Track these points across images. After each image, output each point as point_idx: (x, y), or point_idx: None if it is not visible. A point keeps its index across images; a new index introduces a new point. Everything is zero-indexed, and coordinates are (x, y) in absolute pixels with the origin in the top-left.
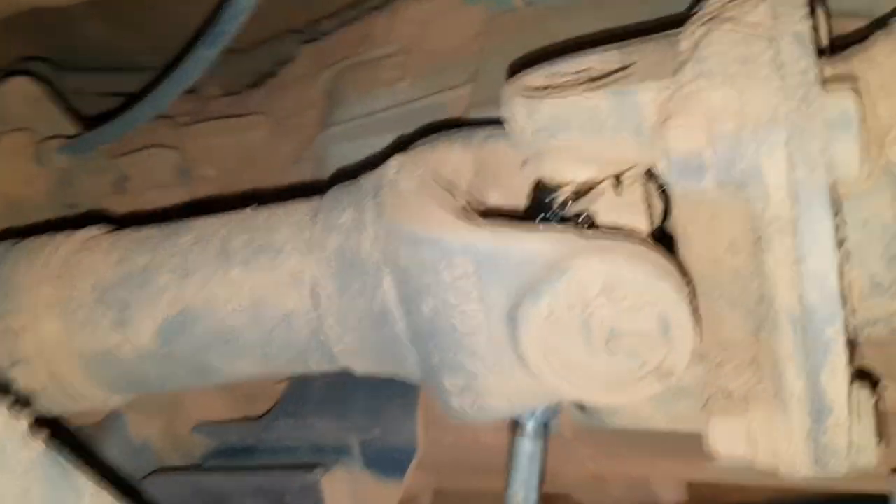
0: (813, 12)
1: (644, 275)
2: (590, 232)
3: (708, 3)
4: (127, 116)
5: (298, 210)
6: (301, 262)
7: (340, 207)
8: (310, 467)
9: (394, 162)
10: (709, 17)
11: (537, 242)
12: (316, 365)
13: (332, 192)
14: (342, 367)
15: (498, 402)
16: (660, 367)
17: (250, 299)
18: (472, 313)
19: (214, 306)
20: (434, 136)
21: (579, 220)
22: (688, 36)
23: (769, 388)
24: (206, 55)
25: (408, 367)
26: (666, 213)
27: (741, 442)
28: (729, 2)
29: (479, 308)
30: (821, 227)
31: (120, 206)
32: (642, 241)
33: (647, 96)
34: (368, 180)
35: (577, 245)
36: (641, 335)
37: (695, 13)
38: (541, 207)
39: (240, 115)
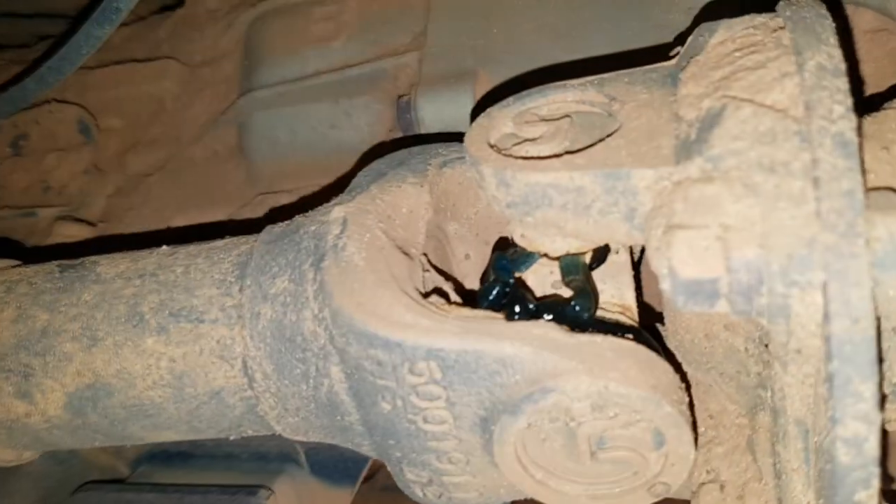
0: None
1: (638, 395)
2: (574, 334)
3: (709, 39)
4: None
5: (221, 264)
6: (229, 334)
7: (273, 271)
8: (252, 488)
9: (337, 214)
10: (719, 75)
11: (515, 347)
12: (255, 432)
13: (263, 247)
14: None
15: (468, 495)
16: (654, 482)
17: (171, 374)
18: (440, 417)
19: (129, 380)
20: (381, 165)
21: (556, 308)
22: (690, 101)
23: (769, 490)
24: (95, 33)
25: (363, 450)
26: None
27: None
28: (741, 50)
29: (447, 413)
30: (863, 388)
31: (16, 171)
32: (636, 336)
33: (642, 182)
34: (306, 236)
35: (562, 357)
36: (633, 449)
37: (693, 45)
38: (508, 268)
39: (147, 60)
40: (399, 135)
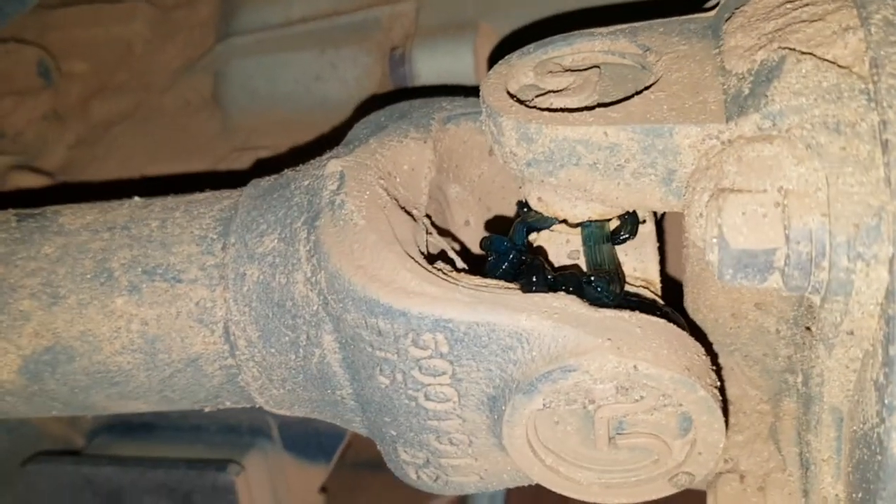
0: None
1: (671, 378)
2: (598, 309)
3: None
4: None
5: (202, 219)
6: (210, 296)
7: (261, 229)
8: (220, 462)
9: (333, 168)
10: (772, 27)
11: (533, 320)
12: (233, 404)
13: (249, 202)
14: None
15: (467, 479)
16: (676, 471)
17: (142, 338)
18: (444, 394)
19: (94, 344)
20: (380, 117)
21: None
22: (740, 53)
23: (794, 481)
24: None
25: (354, 426)
26: None
27: None
28: (792, 2)
29: (452, 391)
30: None
31: None
32: (664, 314)
33: (687, 140)
34: (298, 191)
35: (586, 333)
36: (656, 435)
37: None
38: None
39: (115, 0)
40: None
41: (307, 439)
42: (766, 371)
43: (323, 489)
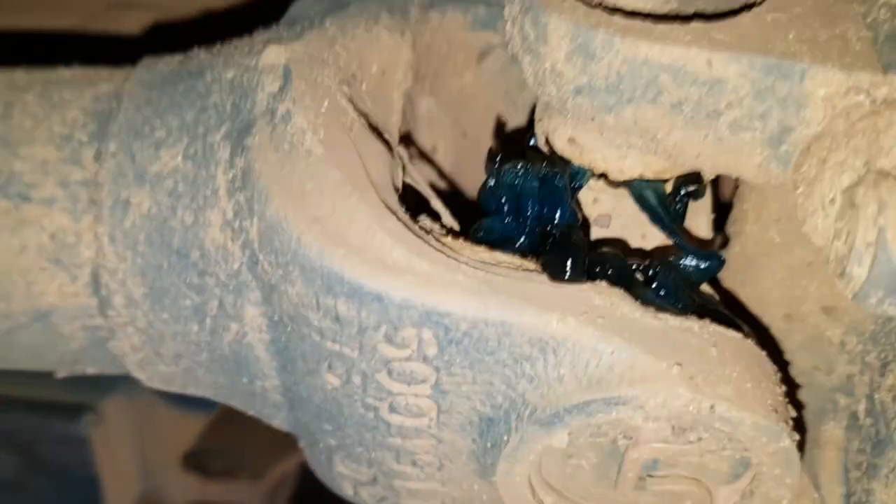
0: None
1: (754, 424)
2: (658, 313)
3: None
4: None
5: (66, 108)
6: (73, 227)
7: (157, 136)
8: (73, 409)
9: (272, 58)
10: None
11: (570, 325)
12: (97, 371)
13: (139, 92)
14: None
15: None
16: None
17: None
18: (418, 408)
19: None
20: None
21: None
22: None
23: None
24: None
25: (274, 422)
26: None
27: None
28: None
29: (430, 404)
30: None
31: None
32: (746, 333)
33: (822, 90)
34: (218, 86)
35: (645, 351)
36: (698, 479)
37: None
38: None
39: None
40: None
41: None
42: (811, 387)
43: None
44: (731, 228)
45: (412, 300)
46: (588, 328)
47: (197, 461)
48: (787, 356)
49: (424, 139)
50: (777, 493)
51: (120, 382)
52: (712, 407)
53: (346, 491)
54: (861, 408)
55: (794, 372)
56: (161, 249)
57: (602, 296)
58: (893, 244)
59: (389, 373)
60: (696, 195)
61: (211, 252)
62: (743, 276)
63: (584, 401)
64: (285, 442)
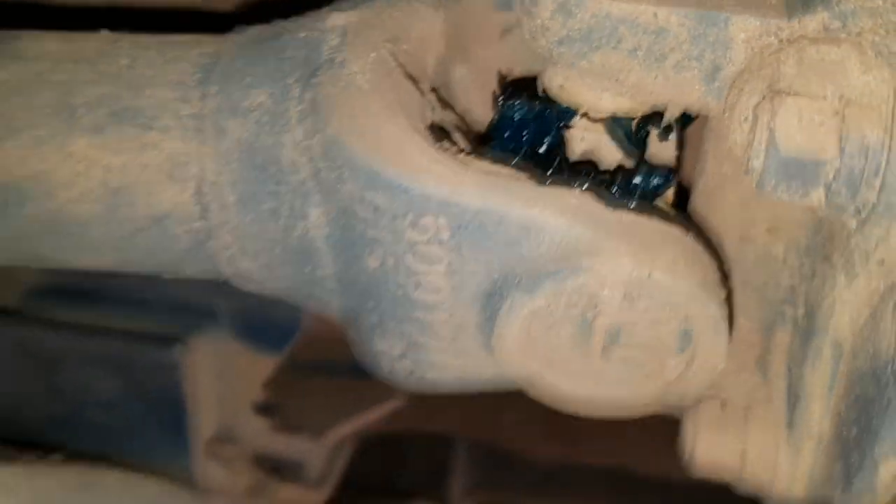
0: None
1: (684, 290)
2: (616, 210)
3: None
4: None
5: (179, 62)
6: (183, 148)
7: (247, 81)
8: (166, 340)
9: (335, 21)
10: None
11: (548, 214)
12: (195, 275)
13: (235, 49)
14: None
15: (444, 376)
16: (664, 390)
17: (104, 187)
18: (436, 285)
19: (49, 188)
20: None
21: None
22: None
23: (778, 412)
24: None
25: (328, 309)
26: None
27: (730, 459)
28: None
29: (445, 281)
30: None
31: None
32: (683, 225)
33: (742, 34)
34: (293, 43)
35: (602, 233)
36: (652, 349)
37: None
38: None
39: None
40: None
41: (258, 329)
42: (763, 300)
43: (267, 384)
44: (696, 167)
45: (431, 192)
46: (562, 217)
47: (265, 409)
48: (744, 276)
49: (461, 102)
50: (712, 360)
51: (204, 323)
52: (650, 274)
53: (384, 366)
54: (800, 312)
55: (750, 289)
56: (248, 166)
57: (575, 196)
58: (780, 141)
59: (414, 254)
60: (662, 134)
61: (285, 166)
62: (705, 207)
63: (555, 268)
64: (343, 405)
